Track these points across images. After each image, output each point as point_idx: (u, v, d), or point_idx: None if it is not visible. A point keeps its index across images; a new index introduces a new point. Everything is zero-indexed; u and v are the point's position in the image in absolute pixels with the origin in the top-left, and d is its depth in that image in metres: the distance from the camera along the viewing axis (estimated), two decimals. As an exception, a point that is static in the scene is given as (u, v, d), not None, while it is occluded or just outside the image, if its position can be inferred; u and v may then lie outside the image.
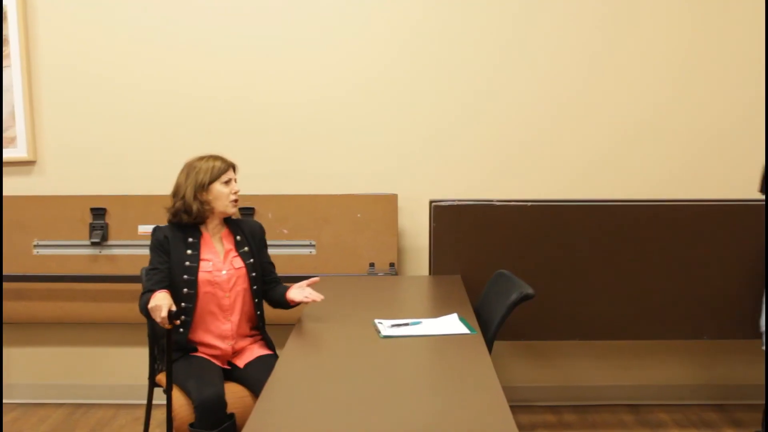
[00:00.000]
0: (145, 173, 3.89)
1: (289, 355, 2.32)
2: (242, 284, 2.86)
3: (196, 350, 2.84)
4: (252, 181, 3.73)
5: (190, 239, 2.80)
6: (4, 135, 3.85)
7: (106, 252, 3.81)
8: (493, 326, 2.81)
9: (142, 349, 3.91)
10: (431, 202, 3.67)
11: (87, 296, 3.82)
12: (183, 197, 2.79)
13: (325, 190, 3.87)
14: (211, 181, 2.80)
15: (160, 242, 2.79)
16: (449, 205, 3.64)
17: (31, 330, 3.98)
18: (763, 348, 3.14)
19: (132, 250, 3.79)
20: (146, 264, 2.92)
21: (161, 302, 2.55)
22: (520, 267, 3.59)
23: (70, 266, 3.81)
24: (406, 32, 3.82)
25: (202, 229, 2.86)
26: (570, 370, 3.99)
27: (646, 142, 3.85)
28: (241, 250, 2.89)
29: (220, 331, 2.83)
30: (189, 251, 2.78)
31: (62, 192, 3.89)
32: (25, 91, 3.82)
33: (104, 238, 3.79)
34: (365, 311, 2.86)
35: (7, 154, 3.86)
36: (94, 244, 3.79)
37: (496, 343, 3.73)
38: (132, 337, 3.95)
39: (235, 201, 2.85)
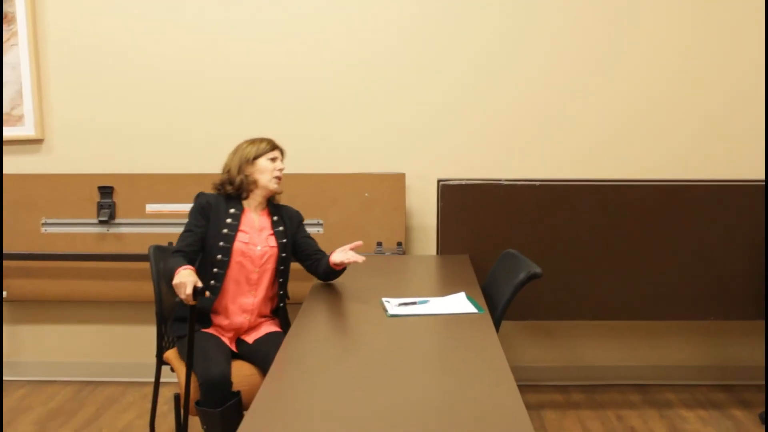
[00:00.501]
0: (152, 152, 3.88)
1: (297, 333, 2.32)
2: (271, 263, 2.92)
3: (209, 325, 2.85)
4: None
5: (232, 210, 2.88)
6: (13, 113, 3.85)
7: (113, 230, 3.81)
8: (501, 305, 2.81)
9: (150, 327, 3.93)
10: (439, 181, 3.65)
11: (94, 274, 3.83)
12: (228, 171, 2.92)
13: (333, 169, 3.86)
14: (257, 156, 2.90)
15: (202, 206, 2.87)
16: (457, 185, 3.62)
17: (39, 308, 4.00)
18: None
19: (139, 229, 3.79)
20: (153, 242, 2.96)
21: (186, 279, 2.57)
22: (527, 246, 3.58)
23: (78, 245, 3.82)
24: (413, 9, 3.79)
25: (245, 204, 2.94)
26: (578, 349, 3.98)
27: (654, 121, 3.82)
28: (277, 229, 2.94)
29: (243, 303, 2.87)
30: (229, 220, 2.85)
31: (70, 170, 3.89)
32: (32, 69, 3.81)
33: (112, 216, 3.79)
34: (373, 290, 2.86)
35: (15, 133, 3.86)
36: (101, 222, 3.79)
37: (504, 323, 3.73)
38: (139, 315, 3.96)
39: (279, 178, 2.92)
